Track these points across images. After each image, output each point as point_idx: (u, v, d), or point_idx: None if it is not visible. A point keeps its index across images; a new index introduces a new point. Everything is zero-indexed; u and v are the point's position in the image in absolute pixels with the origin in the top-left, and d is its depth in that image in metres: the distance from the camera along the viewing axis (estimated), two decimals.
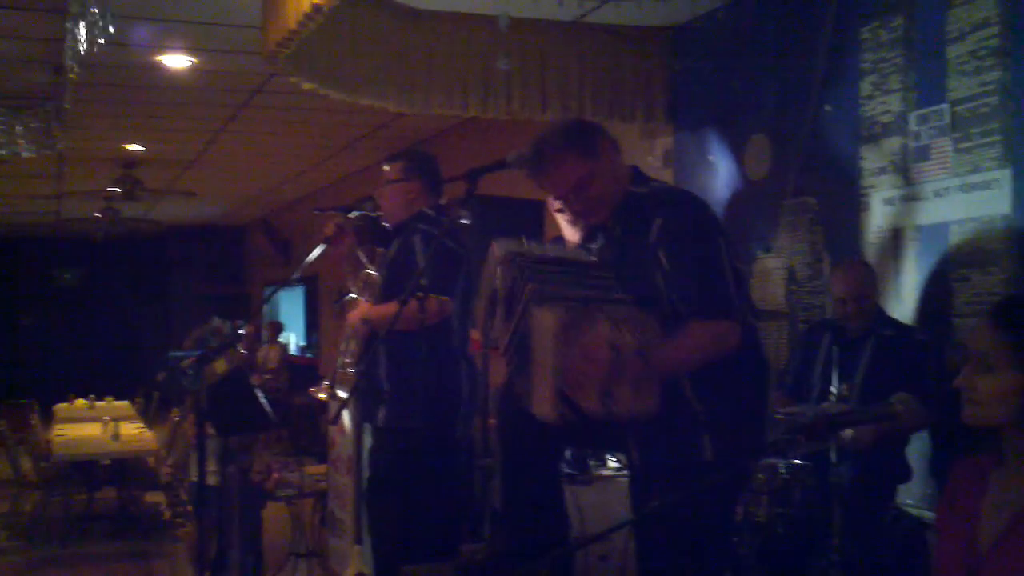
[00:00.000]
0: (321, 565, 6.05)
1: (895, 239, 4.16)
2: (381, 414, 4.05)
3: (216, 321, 13.82)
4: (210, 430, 4.64)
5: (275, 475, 6.17)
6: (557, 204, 3.20)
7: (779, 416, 3.55)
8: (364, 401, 4.23)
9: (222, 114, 8.05)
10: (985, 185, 3.73)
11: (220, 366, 5.50)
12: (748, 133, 5.01)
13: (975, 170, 3.77)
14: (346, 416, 5.48)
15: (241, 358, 6.50)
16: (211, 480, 5.20)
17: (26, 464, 8.14)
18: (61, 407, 10.64)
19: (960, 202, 3.84)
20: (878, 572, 3.41)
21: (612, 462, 4.34)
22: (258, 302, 16.74)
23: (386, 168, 4.17)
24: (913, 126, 4.05)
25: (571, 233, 3.24)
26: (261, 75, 6.65)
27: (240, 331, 8.88)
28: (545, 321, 2.60)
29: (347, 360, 4.20)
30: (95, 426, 8.61)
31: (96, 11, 4.37)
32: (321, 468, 6.71)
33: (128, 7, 5.16)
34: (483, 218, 4.47)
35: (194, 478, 5.11)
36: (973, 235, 3.80)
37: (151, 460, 8.34)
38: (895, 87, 4.14)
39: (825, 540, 3.30)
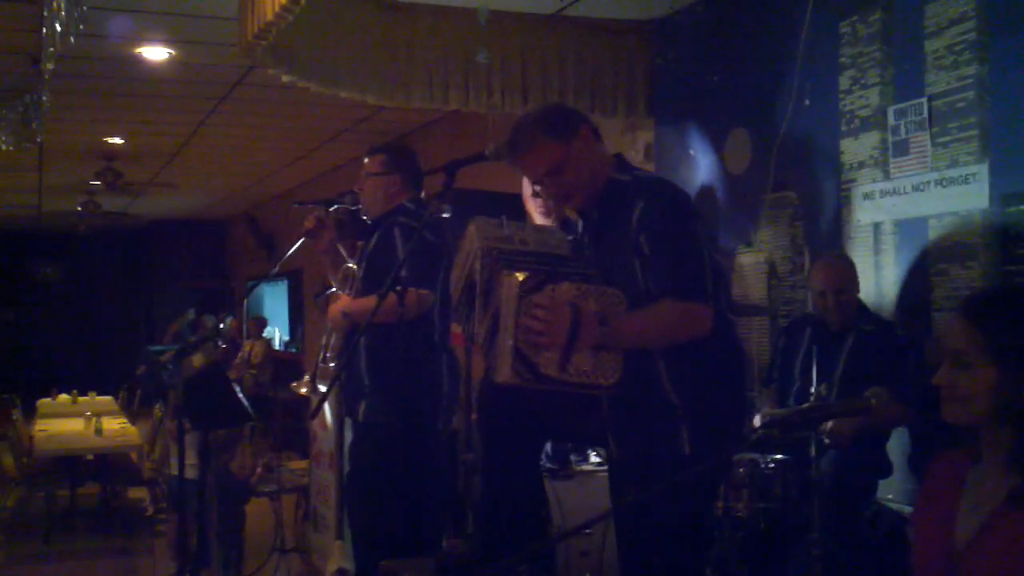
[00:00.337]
0: (303, 560, 6.05)
1: (874, 233, 4.17)
2: (361, 408, 4.03)
3: (191, 314, 13.75)
4: (188, 424, 4.62)
5: (258, 471, 6.17)
6: (530, 190, 3.19)
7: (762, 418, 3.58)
8: (345, 396, 4.22)
9: (203, 107, 8.00)
10: (963, 179, 3.74)
11: (198, 360, 5.48)
12: (728, 127, 5.01)
13: (953, 164, 3.79)
14: (328, 411, 5.48)
15: (220, 352, 6.47)
16: (190, 474, 5.18)
17: (8, 460, 8.12)
18: (44, 402, 10.60)
19: (938, 196, 3.85)
20: (858, 567, 3.42)
21: (593, 457, 4.33)
22: (240, 296, 16.69)
23: (366, 161, 4.15)
24: (891, 120, 4.06)
25: (543, 224, 3.24)
26: (241, 68, 6.60)
27: (222, 325, 8.85)
28: (510, 280, 2.60)
29: (328, 355, 4.19)
30: (78, 421, 8.60)
31: (72, 1, 4.33)
32: (304, 463, 6.69)
33: None
34: (463, 211, 4.45)
35: (174, 472, 5.09)
36: (951, 229, 3.81)
37: (134, 455, 8.31)
38: (874, 81, 4.15)
39: (805, 535, 3.31)
